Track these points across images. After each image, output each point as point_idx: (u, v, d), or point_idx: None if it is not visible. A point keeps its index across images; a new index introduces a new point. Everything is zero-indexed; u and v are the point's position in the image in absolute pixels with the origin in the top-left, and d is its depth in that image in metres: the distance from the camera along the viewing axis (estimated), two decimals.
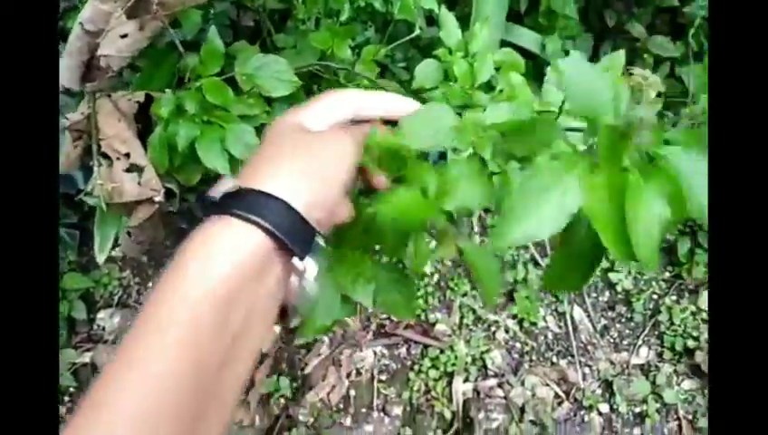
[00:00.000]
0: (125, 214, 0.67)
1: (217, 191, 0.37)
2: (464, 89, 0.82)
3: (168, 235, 1.16)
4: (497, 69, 0.85)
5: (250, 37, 0.92)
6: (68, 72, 0.53)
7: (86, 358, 1.31)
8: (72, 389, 1.29)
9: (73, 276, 1.25)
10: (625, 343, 1.43)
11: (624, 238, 0.19)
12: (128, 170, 0.63)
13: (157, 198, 0.62)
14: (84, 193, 0.61)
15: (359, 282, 0.46)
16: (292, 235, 0.35)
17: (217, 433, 0.33)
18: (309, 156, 0.38)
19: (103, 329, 1.35)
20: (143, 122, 0.69)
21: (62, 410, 1.27)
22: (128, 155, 0.63)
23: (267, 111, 0.68)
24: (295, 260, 0.36)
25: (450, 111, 0.43)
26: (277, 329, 1.33)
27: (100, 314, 1.36)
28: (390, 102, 0.43)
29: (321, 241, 0.38)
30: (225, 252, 0.33)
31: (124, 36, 0.51)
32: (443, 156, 0.48)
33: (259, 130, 0.67)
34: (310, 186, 0.37)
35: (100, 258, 0.73)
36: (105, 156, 0.63)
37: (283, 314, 0.38)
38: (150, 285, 1.39)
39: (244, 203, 0.35)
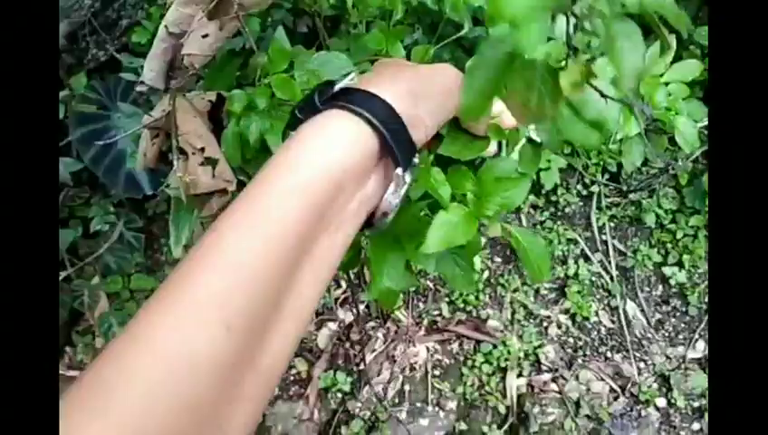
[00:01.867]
0: (198, 207, 0.72)
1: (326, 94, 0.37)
2: None
3: None
4: None
5: (304, 43, 0.97)
6: (154, 72, 0.58)
7: None
8: None
9: (140, 277, 1.31)
10: (680, 337, 1.41)
11: None
12: (201, 164, 0.68)
13: (230, 189, 0.66)
14: (166, 185, 0.66)
15: (421, 250, 0.50)
16: (398, 140, 0.35)
17: (308, 307, 0.33)
18: (416, 79, 0.38)
19: None
20: (214, 121, 0.74)
21: None
22: (202, 149, 0.68)
23: None
24: (398, 169, 0.36)
25: None
26: (334, 326, 1.36)
27: None
28: None
29: (416, 159, 0.38)
30: (341, 142, 0.34)
31: (205, 36, 0.55)
32: None
33: None
34: (414, 103, 0.37)
35: (176, 252, 0.78)
36: (182, 151, 0.67)
37: (368, 222, 0.38)
38: None
39: (354, 99, 0.35)
